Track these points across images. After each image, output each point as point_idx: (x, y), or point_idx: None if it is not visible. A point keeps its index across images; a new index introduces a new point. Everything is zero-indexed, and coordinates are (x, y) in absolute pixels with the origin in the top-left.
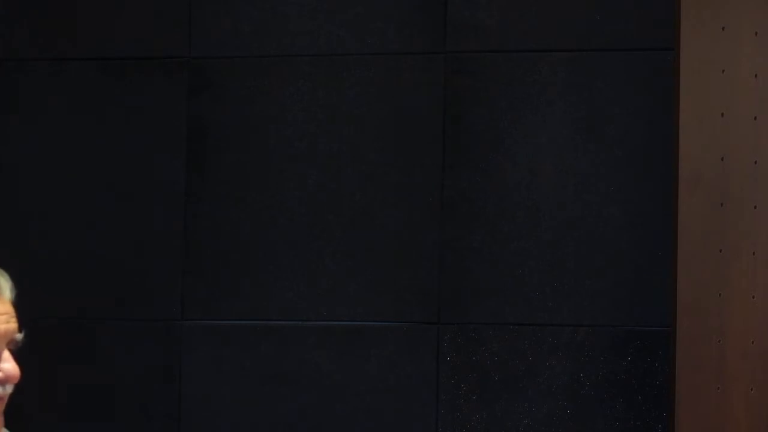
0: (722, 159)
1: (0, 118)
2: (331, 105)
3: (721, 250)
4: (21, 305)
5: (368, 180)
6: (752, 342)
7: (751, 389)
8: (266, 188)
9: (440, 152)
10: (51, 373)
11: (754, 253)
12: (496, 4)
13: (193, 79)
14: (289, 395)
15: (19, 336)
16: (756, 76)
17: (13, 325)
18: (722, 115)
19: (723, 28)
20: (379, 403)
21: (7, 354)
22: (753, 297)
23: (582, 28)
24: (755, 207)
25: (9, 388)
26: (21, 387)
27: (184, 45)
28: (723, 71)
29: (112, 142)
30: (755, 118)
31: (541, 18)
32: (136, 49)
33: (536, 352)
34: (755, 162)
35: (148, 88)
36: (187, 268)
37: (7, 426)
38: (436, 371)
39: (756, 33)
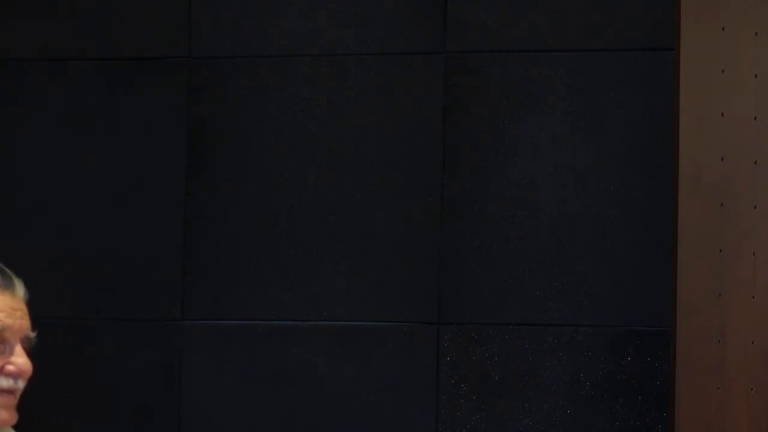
0: (722, 159)
1: (0, 119)
2: (331, 105)
3: (721, 250)
4: None
5: (368, 180)
6: (752, 342)
7: (751, 389)
8: (266, 188)
9: (440, 152)
10: (51, 372)
11: (754, 253)
12: (496, 4)
13: (193, 79)
14: (289, 395)
15: (32, 334)
16: (756, 76)
17: (27, 322)
18: (722, 115)
19: (723, 28)
20: (379, 403)
21: (19, 349)
22: (753, 297)
23: (582, 28)
24: (755, 207)
25: (21, 383)
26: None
27: (184, 45)
28: (723, 71)
29: (112, 142)
30: (755, 118)
31: (541, 18)
32: (136, 49)
33: (536, 352)
34: (755, 162)
35: (148, 88)
36: (187, 268)
37: (15, 426)
38: (436, 371)
39: (756, 33)
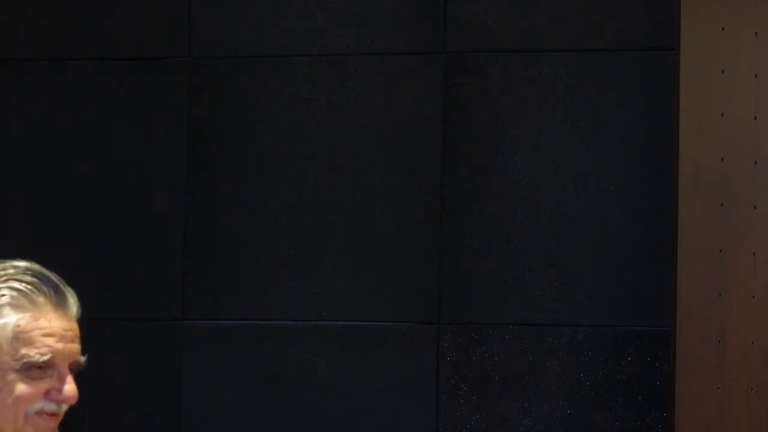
0: (722, 159)
1: (0, 119)
2: (331, 105)
3: (721, 250)
4: None
5: (368, 180)
6: (752, 342)
7: (751, 389)
8: (266, 188)
9: (440, 152)
10: None
11: (754, 253)
12: (496, 4)
13: (193, 79)
14: (289, 395)
15: (82, 359)
16: (756, 76)
17: (77, 345)
18: (722, 115)
19: (723, 28)
20: (379, 403)
21: (69, 376)
22: (753, 297)
23: (582, 28)
24: (755, 207)
25: (65, 407)
26: None
27: (184, 45)
28: (723, 71)
29: (112, 142)
30: (755, 118)
31: (541, 18)
32: (136, 49)
33: (536, 352)
34: (755, 162)
35: (148, 88)
36: (187, 268)
37: None
38: (436, 371)
39: (756, 33)
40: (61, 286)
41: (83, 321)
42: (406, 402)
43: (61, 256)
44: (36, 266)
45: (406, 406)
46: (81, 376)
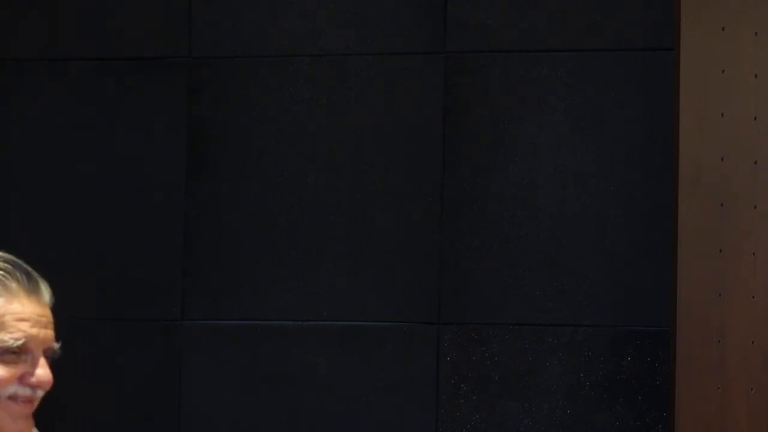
0: (722, 159)
1: (0, 119)
2: (331, 105)
3: (721, 250)
4: None
5: (368, 180)
6: (752, 342)
7: (751, 389)
8: (266, 188)
9: (440, 152)
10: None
11: (754, 253)
12: (496, 4)
13: (193, 79)
14: (289, 395)
15: (56, 345)
16: (756, 76)
17: (51, 332)
18: (722, 115)
19: (723, 28)
20: (379, 403)
21: (42, 360)
22: (753, 297)
23: (582, 28)
24: (755, 207)
25: (40, 393)
26: None
27: (184, 45)
28: (723, 71)
29: (111, 142)
30: (755, 118)
31: (541, 18)
32: (136, 49)
33: (536, 352)
34: (755, 162)
35: (148, 88)
36: (187, 268)
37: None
38: (436, 371)
39: (756, 33)
40: (33, 273)
41: (84, 321)
42: (406, 402)
43: (61, 256)
44: (6, 254)
45: (406, 406)
46: (82, 375)
